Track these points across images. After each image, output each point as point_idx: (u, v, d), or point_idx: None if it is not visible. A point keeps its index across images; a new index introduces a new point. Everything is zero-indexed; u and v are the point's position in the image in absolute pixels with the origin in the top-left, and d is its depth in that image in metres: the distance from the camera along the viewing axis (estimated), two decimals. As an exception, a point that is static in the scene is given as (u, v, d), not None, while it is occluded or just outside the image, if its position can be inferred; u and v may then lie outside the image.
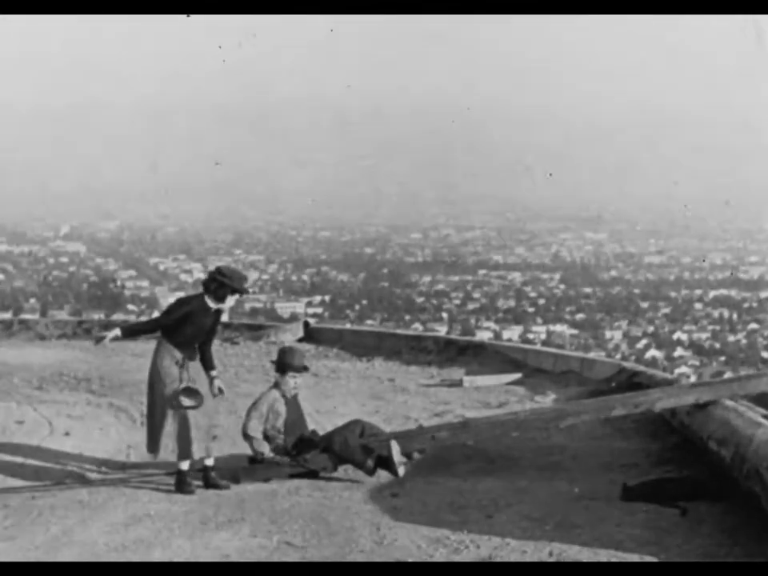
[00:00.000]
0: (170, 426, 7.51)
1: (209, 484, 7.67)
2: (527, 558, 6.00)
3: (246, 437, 8.03)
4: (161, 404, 7.55)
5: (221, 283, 7.58)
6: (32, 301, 49.93)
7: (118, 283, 54.03)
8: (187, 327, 7.53)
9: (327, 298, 53.44)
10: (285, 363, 8.19)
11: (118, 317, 36.66)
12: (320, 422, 9.74)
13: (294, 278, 56.14)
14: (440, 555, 6.10)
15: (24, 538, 6.47)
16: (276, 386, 8.26)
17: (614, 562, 5.89)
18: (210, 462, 7.73)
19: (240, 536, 6.48)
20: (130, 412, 9.91)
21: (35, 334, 15.53)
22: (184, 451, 7.54)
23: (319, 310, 50.16)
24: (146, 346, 14.47)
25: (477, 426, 8.33)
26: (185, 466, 7.61)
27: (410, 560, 6.02)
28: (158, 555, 6.15)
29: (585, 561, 5.91)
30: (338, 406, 10.42)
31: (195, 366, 7.66)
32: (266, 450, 7.98)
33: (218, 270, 7.66)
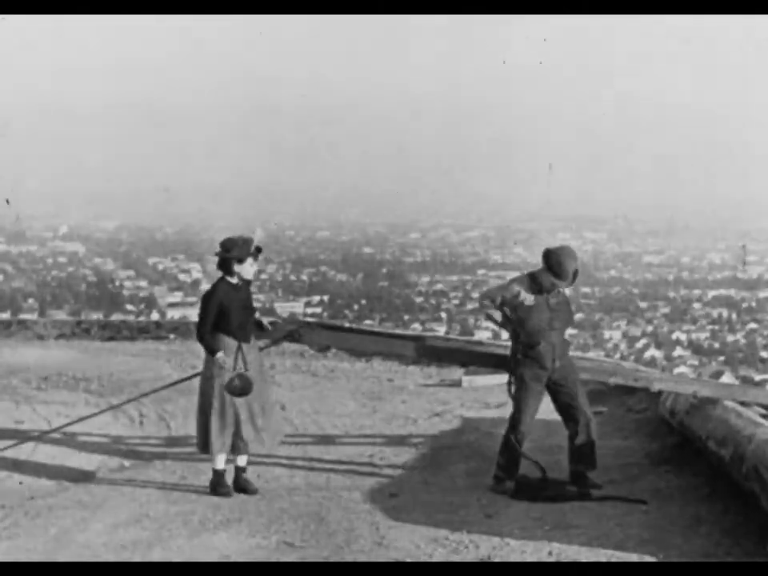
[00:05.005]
0: (216, 421, 7.29)
1: (238, 487, 7.49)
2: (526, 558, 5.99)
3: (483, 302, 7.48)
4: (213, 400, 7.32)
5: (225, 259, 7.42)
6: (30, 301, 49.87)
7: (117, 283, 54.00)
8: (231, 313, 7.34)
9: (326, 297, 53.39)
10: (561, 265, 7.36)
11: (116, 317, 36.64)
12: (319, 422, 9.76)
13: (292, 277, 56.09)
14: (439, 555, 6.10)
15: (23, 539, 6.47)
16: (528, 279, 7.46)
17: (614, 561, 5.89)
18: (242, 462, 7.54)
19: (239, 536, 6.48)
20: (129, 412, 9.89)
21: (34, 334, 15.51)
22: (210, 447, 7.34)
23: (318, 310, 50.09)
24: (145, 346, 14.51)
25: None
26: (220, 464, 7.43)
27: (409, 560, 6.02)
28: (157, 555, 6.14)
29: (584, 561, 5.91)
30: (336, 406, 10.41)
31: (251, 351, 7.46)
32: (497, 316, 7.50)
33: (219, 247, 7.47)
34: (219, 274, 7.54)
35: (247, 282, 7.54)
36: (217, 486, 7.46)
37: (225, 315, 7.34)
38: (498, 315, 7.55)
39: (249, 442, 7.39)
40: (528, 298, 7.44)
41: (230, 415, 7.32)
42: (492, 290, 7.64)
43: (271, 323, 7.82)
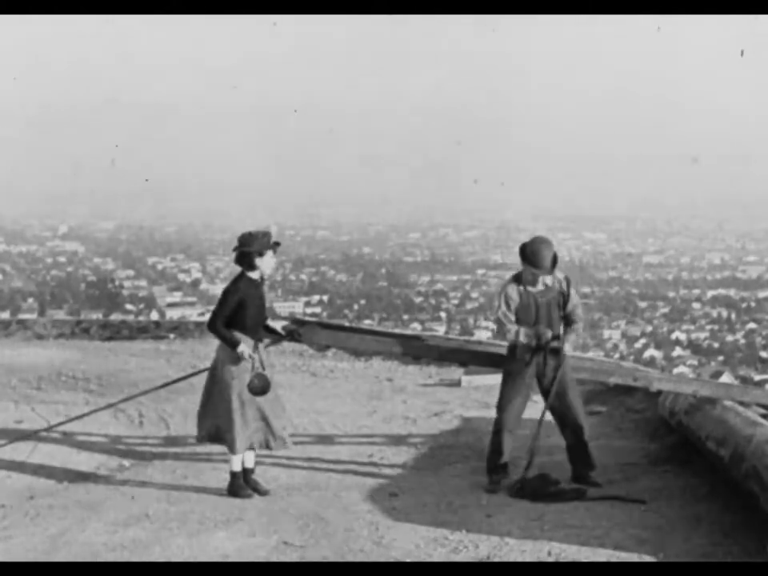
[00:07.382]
0: (239, 421, 7.23)
1: (249, 487, 7.42)
2: (526, 558, 6.00)
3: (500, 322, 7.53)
4: (233, 399, 7.25)
5: (244, 253, 7.35)
6: (30, 300, 49.92)
7: (116, 283, 54.02)
8: (248, 309, 7.30)
9: (325, 297, 53.50)
10: (535, 254, 7.47)
11: (116, 316, 36.65)
12: (318, 422, 9.76)
13: (292, 277, 56.16)
14: (439, 555, 6.10)
15: (22, 538, 6.46)
16: (513, 279, 7.61)
17: (613, 561, 5.89)
18: (250, 462, 7.48)
19: (239, 536, 6.48)
20: (128, 412, 9.90)
21: (33, 333, 15.52)
22: (235, 446, 7.28)
23: (318, 310, 50.18)
24: (144, 346, 14.51)
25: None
26: (238, 466, 7.38)
27: (408, 560, 6.02)
28: (156, 555, 6.14)
29: (584, 560, 5.91)
30: (336, 406, 10.42)
31: (262, 350, 7.43)
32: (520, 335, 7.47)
33: (238, 241, 7.40)
34: (238, 269, 7.46)
35: (262, 279, 7.49)
36: (239, 489, 7.36)
37: (242, 312, 7.29)
38: (522, 333, 7.52)
39: (265, 440, 7.34)
40: (515, 298, 7.53)
41: (251, 414, 7.28)
42: (500, 312, 7.56)
43: (284, 328, 7.83)
